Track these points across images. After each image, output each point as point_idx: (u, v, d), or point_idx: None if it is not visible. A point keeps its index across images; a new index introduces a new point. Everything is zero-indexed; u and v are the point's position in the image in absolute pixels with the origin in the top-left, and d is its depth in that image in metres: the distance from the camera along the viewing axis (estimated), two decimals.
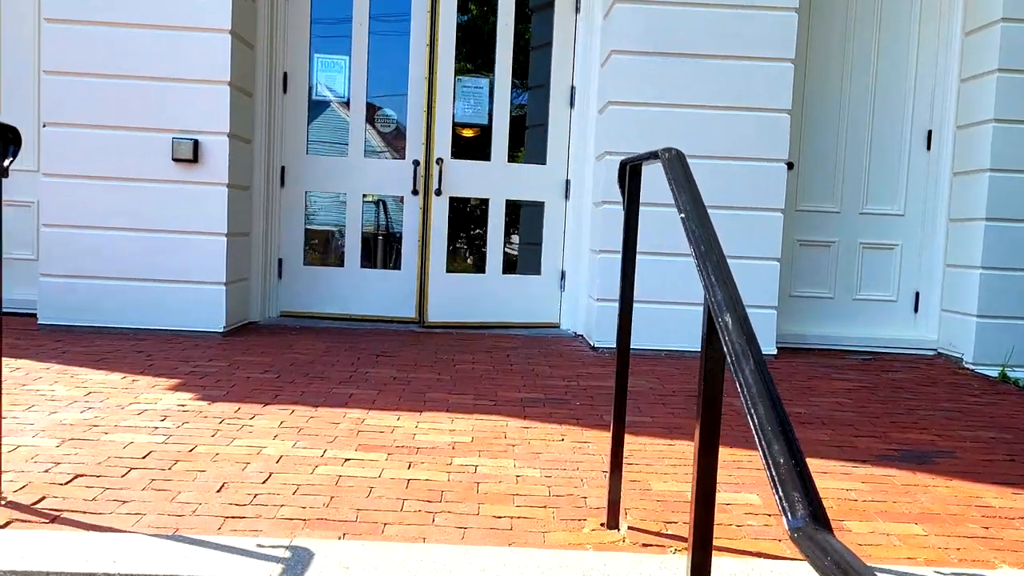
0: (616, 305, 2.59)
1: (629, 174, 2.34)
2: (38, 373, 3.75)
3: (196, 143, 4.97)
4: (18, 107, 5.46)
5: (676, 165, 1.88)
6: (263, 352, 4.58)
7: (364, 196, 5.88)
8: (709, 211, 2.23)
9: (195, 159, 4.98)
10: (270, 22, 5.54)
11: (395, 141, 5.96)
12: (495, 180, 5.84)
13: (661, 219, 4.75)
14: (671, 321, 5.12)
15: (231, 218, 5.11)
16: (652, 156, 2.06)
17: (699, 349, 1.67)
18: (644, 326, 5.00)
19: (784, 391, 4.18)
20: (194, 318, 5.07)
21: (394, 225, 5.99)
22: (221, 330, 5.09)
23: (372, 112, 5.89)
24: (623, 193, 2.41)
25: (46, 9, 4.91)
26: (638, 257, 2.62)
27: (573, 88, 5.78)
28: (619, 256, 2.59)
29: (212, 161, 5.01)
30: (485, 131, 5.89)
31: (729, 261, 1.70)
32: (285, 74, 5.71)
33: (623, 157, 2.71)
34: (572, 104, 5.79)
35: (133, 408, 3.23)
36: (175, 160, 4.97)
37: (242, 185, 5.34)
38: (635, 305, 4.91)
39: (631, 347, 2.67)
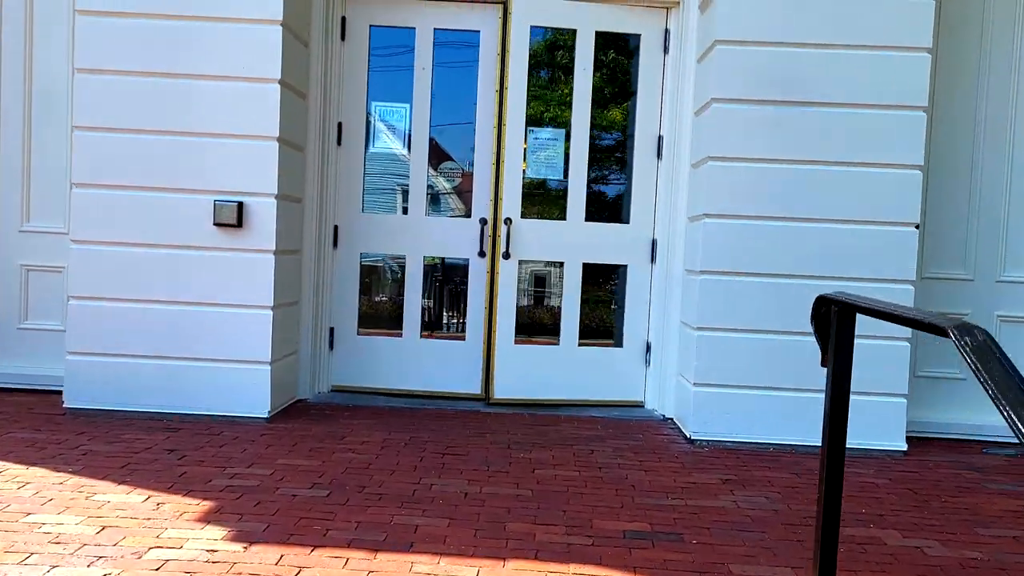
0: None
1: (838, 318, 1.63)
2: (49, 491, 3.18)
3: (240, 206, 4.41)
4: (51, 164, 4.98)
5: (989, 357, 1.17)
6: (312, 451, 3.95)
7: (425, 258, 5.26)
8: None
9: (239, 223, 4.42)
10: (324, 68, 5.00)
11: (460, 198, 5.34)
12: (571, 241, 5.18)
13: (764, 289, 4.06)
14: (782, 410, 4.38)
15: (278, 288, 4.53)
16: (925, 325, 1.35)
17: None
18: (741, 414, 4.29)
19: (935, 518, 3.41)
20: (236, 402, 4.48)
21: (458, 290, 5.35)
22: (266, 415, 4.49)
23: (435, 165, 5.29)
24: (821, 339, 1.70)
25: (78, 58, 4.41)
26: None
27: (660, 138, 5.11)
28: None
29: (258, 225, 4.44)
30: (560, 187, 5.24)
31: None
32: (340, 124, 5.15)
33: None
34: (659, 156, 5.12)
35: (152, 558, 2.61)
36: (217, 225, 4.42)
37: (291, 249, 4.77)
38: (730, 390, 4.18)
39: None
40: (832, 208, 4.33)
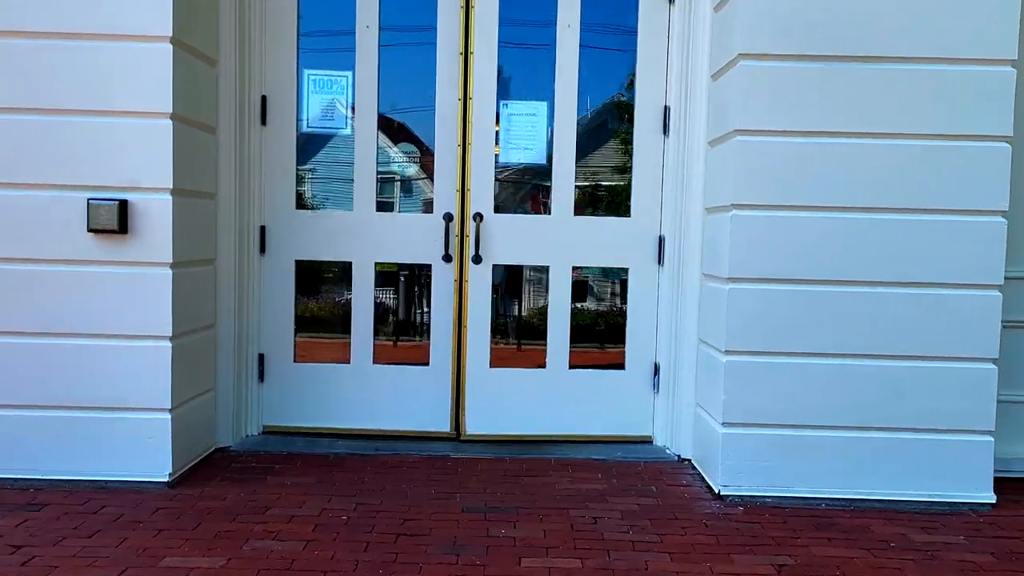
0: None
1: None
2: None
3: (124, 205, 3.33)
4: None
5: None
6: (219, 537, 2.91)
7: (377, 265, 4.19)
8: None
9: (123, 228, 3.34)
10: (237, 24, 3.90)
11: (419, 189, 4.27)
12: (558, 240, 4.14)
13: (811, 300, 3.09)
14: (838, 454, 3.40)
15: (182, 310, 3.46)
16: None
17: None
18: (784, 461, 3.30)
19: None
20: (126, 463, 3.42)
21: (418, 304, 4.29)
22: (166, 479, 3.41)
23: (386, 149, 4.21)
24: None
25: None
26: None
27: (666, 110, 4.08)
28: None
29: (149, 230, 3.36)
30: (543, 173, 4.20)
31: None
32: (263, 98, 4.06)
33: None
34: (666, 131, 4.08)
35: None
36: (93, 231, 3.33)
37: (200, 259, 3.69)
38: (768, 431, 3.21)
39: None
40: (898, 194, 3.33)
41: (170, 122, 3.35)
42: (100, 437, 3.42)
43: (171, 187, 3.37)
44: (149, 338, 3.41)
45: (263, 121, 4.09)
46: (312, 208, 4.21)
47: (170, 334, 3.41)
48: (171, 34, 3.32)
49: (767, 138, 3.33)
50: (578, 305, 4.26)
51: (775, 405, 3.40)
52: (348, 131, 4.19)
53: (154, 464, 3.44)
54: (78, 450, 3.41)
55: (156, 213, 3.37)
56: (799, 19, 3.28)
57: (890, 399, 3.37)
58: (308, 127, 4.20)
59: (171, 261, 3.39)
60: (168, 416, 3.43)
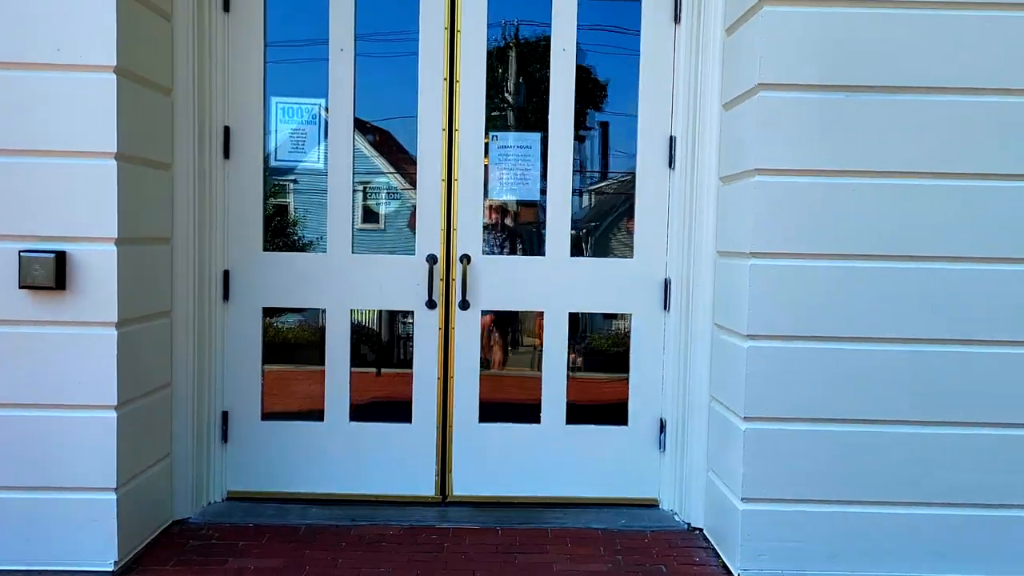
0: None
1: None
2: None
3: (61, 258, 2.92)
4: None
5: None
6: None
7: (353, 312, 3.78)
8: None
9: (60, 284, 2.93)
10: (196, 51, 3.49)
11: (400, 228, 3.87)
12: (553, 283, 3.75)
13: (845, 360, 2.72)
14: (879, 533, 3.02)
15: (128, 375, 3.06)
16: None
17: None
18: (815, 541, 2.92)
19: None
20: (66, 549, 3.00)
21: (400, 354, 3.89)
22: (111, 568, 2.99)
23: (364, 184, 3.81)
24: None
25: None
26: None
27: (672, 141, 3.70)
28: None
29: (91, 285, 2.95)
30: (536, 210, 3.81)
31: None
32: (226, 130, 3.66)
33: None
34: (671, 164, 3.70)
35: None
36: (26, 287, 2.91)
37: (151, 313, 3.28)
38: (796, 507, 2.85)
39: None
40: (941, 240, 2.94)
41: (114, 162, 2.94)
42: (36, 520, 3.00)
43: (116, 236, 2.96)
44: (91, 408, 2.99)
45: (226, 154, 3.68)
46: (281, 250, 3.79)
47: (115, 403, 2.99)
48: (115, 63, 2.91)
49: (790, 178, 2.95)
50: (575, 354, 3.85)
51: (804, 478, 3.01)
52: (321, 164, 3.78)
53: (97, 550, 3.02)
54: (10, 535, 2.99)
55: (99, 266, 2.96)
56: (825, 43, 2.91)
57: (938, 468, 2.99)
58: (277, 160, 3.80)
59: (116, 320, 2.98)
60: (113, 496, 3.01)
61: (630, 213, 3.80)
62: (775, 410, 3.00)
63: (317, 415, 3.82)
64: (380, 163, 3.87)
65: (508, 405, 3.88)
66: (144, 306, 3.20)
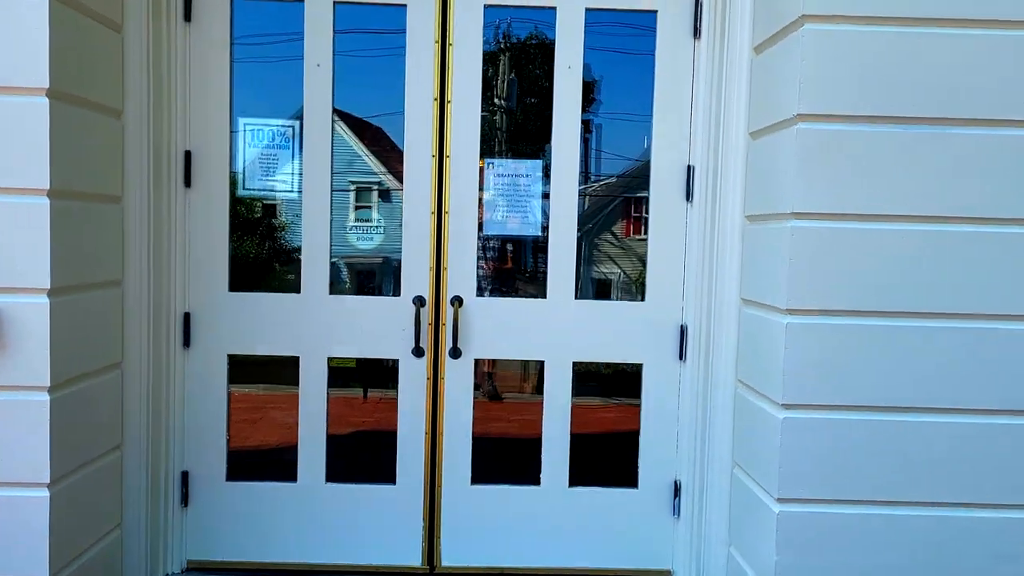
0: None
1: None
2: None
3: None
4: None
5: None
6: None
7: (331, 360, 3.36)
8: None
9: None
10: (152, 68, 3.06)
11: (384, 266, 3.45)
12: (555, 329, 3.33)
13: (897, 434, 2.31)
14: None
15: (65, 445, 2.65)
16: None
17: None
18: None
19: None
20: None
21: (382, 408, 3.47)
22: None
23: (343, 216, 3.39)
24: None
25: None
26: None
27: (690, 171, 3.28)
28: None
29: (18, 344, 2.53)
30: (537, 247, 3.39)
31: None
32: (187, 155, 3.23)
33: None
34: (688, 197, 3.29)
35: None
36: None
37: (96, 369, 2.86)
38: None
39: None
40: (1012, 299, 2.53)
41: (47, 200, 2.51)
42: None
43: (48, 287, 2.53)
44: (19, 486, 2.55)
45: (187, 183, 3.26)
46: (251, 289, 3.36)
47: (47, 480, 2.57)
48: (47, 84, 2.48)
49: (835, 224, 2.54)
50: (580, 406, 3.44)
51: (850, 570, 2.60)
52: (295, 194, 3.35)
53: None
54: None
55: (28, 321, 2.53)
56: (879, 67, 2.49)
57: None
58: (245, 189, 3.37)
59: (48, 384, 2.55)
60: None
61: (642, 251, 3.38)
62: (817, 491, 2.59)
63: (290, 475, 3.40)
64: (363, 192, 3.44)
65: (504, 464, 3.46)
66: (88, 361, 2.78)
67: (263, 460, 3.43)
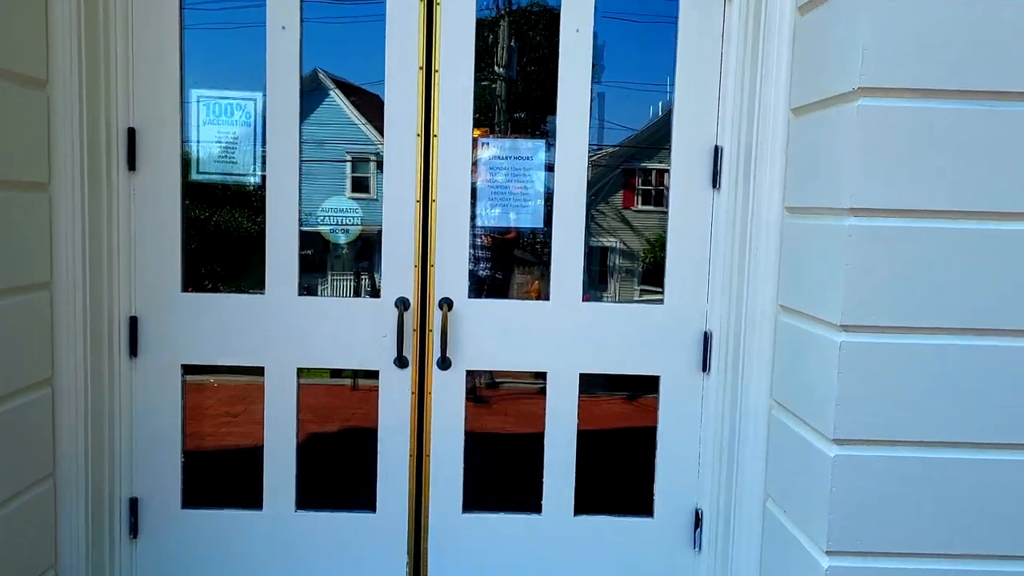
0: None
1: None
2: None
3: None
4: None
5: None
6: None
7: (302, 372, 2.90)
8: None
9: None
10: (83, 29, 2.56)
11: (360, 264, 2.98)
12: (559, 335, 2.88)
13: (973, 473, 1.87)
14: None
15: None
16: None
17: None
18: None
19: None
20: None
21: (359, 426, 3.02)
22: None
23: (313, 205, 2.91)
24: None
25: None
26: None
27: (718, 152, 2.80)
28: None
29: None
30: (539, 242, 2.92)
31: None
32: (131, 133, 2.74)
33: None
34: (716, 183, 2.81)
35: None
36: None
37: (17, 390, 2.41)
38: None
39: None
40: None
41: None
42: None
43: None
44: None
45: (131, 166, 2.78)
46: (208, 290, 2.90)
47: None
48: None
49: (906, 222, 2.07)
50: (588, 429, 3.00)
51: None
52: (257, 179, 2.88)
53: None
54: None
55: None
56: (961, 31, 2.01)
57: None
58: (200, 173, 2.90)
59: None
60: None
61: (661, 246, 2.91)
62: (876, 543, 2.15)
63: (255, 501, 2.96)
64: (336, 177, 2.97)
65: (500, 489, 3.03)
66: (6, 379, 2.32)
67: (225, 484, 3.00)
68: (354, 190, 2.97)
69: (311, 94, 2.89)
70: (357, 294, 2.99)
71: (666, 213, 2.89)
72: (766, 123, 2.61)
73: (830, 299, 2.18)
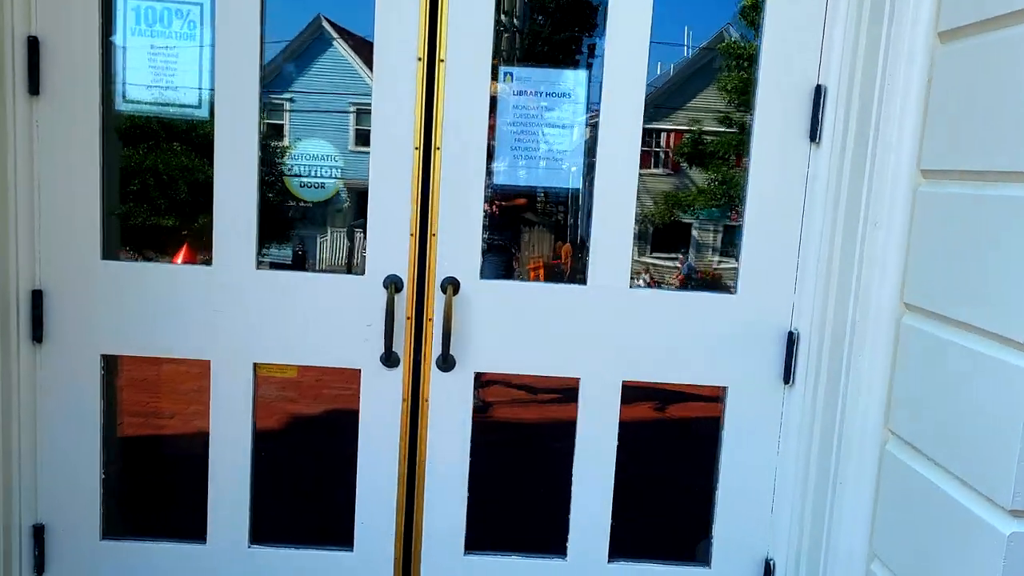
0: None
1: None
2: None
3: None
4: None
5: None
6: None
7: (259, 367, 2.20)
8: None
9: None
10: None
11: (339, 228, 2.26)
12: (597, 330, 2.19)
13: None
14: None
15: None
16: None
17: None
18: None
19: None
20: None
21: (334, 441, 2.32)
22: None
23: (278, 150, 2.18)
24: None
25: None
26: None
27: (820, 93, 2.06)
28: None
29: None
30: (572, 206, 2.19)
31: None
32: (33, 43, 2.01)
33: None
34: (815, 136, 2.08)
35: None
36: None
37: None
38: None
39: None
40: None
41: None
42: None
43: None
44: None
45: (32, 88, 2.06)
46: (137, 258, 2.19)
47: None
48: None
49: None
50: (629, 454, 2.31)
51: None
52: (204, 112, 2.15)
53: None
54: None
55: None
56: None
57: None
58: (128, 102, 2.18)
59: None
60: None
61: (735, 216, 2.19)
62: None
63: (198, 531, 2.28)
64: (308, 113, 2.24)
65: (513, 524, 2.35)
66: None
67: (158, 508, 2.32)
68: (358, 143, 2.28)
69: (314, 43, 2.18)
70: (336, 269, 2.28)
71: (742, 172, 2.17)
72: (898, 51, 1.89)
73: (1013, 306, 1.47)
